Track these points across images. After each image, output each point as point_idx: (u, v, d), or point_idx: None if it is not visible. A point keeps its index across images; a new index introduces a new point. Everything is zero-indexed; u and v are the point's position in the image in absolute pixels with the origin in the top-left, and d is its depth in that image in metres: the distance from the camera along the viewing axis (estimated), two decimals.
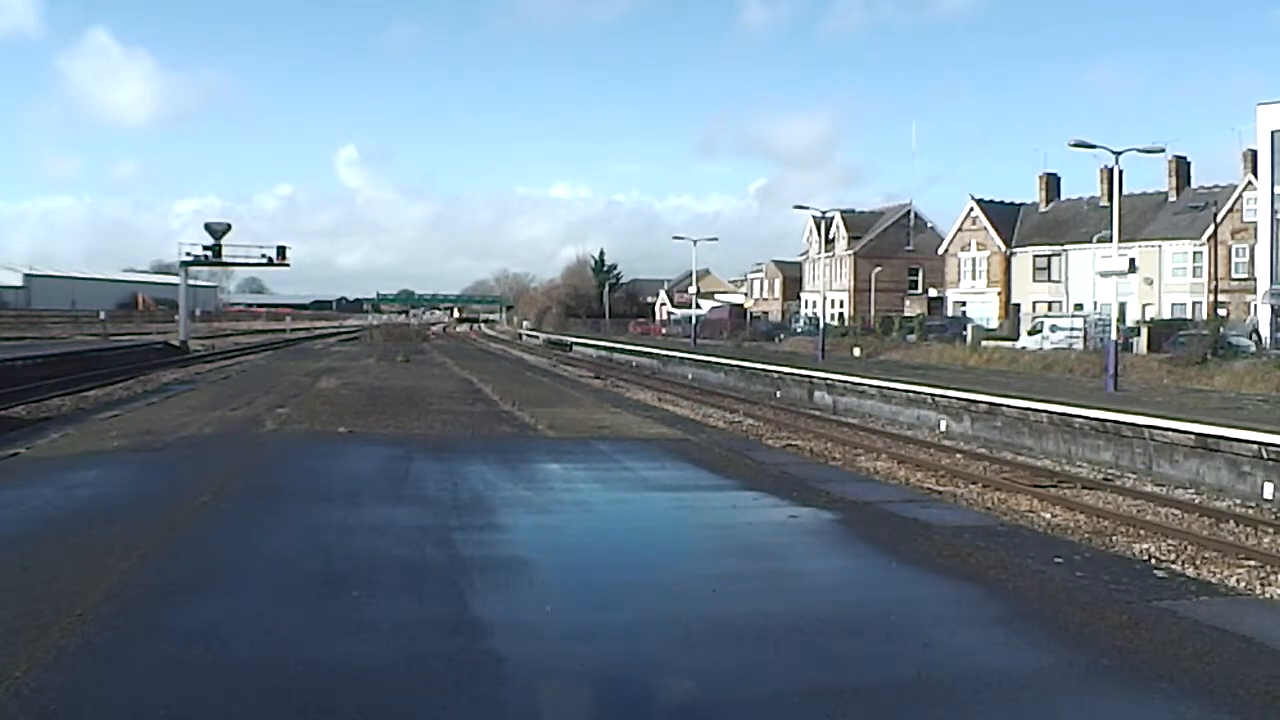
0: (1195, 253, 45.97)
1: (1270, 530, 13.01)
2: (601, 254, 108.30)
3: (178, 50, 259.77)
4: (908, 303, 61.32)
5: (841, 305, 67.16)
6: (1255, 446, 15.26)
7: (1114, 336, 26.15)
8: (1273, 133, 36.50)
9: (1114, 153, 25.98)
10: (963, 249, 58.62)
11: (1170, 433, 16.98)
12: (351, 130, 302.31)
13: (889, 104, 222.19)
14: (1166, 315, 43.20)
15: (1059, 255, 52.92)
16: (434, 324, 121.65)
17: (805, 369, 32.34)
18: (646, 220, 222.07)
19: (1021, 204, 58.45)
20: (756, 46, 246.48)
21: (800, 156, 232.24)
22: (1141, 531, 12.75)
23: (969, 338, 43.33)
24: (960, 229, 58.93)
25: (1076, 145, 25.89)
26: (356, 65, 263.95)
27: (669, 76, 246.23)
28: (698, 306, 67.36)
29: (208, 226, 51.60)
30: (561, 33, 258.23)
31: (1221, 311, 40.79)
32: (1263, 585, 10.19)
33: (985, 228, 56.82)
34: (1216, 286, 43.63)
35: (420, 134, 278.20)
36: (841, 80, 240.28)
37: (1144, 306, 45.52)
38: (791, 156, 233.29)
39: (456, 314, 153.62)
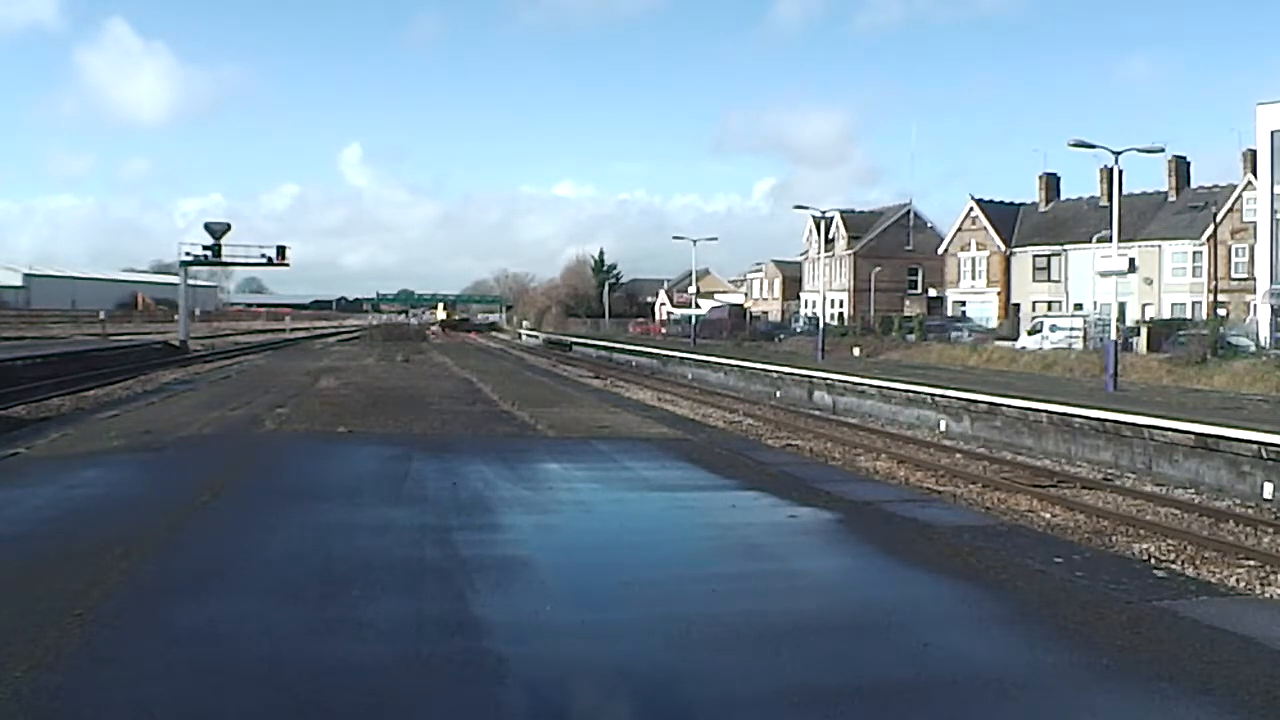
0: (1195, 253, 46.01)
1: (1270, 530, 13.01)
2: (601, 253, 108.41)
3: (197, 44, 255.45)
4: (907, 303, 61.28)
5: (841, 305, 67.14)
6: (1255, 446, 15.26)
7: (1114, 336, 26.17)
8: (1272, 133, 36.54)
9: (1113, 153, 26.02)
10: (962, 249, 58.65)
11: (1170, 432, 16.98)
12: (362, 129, 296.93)
13: (912, 102, 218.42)
14: (1166, 315, 43.19)
15: (1059, 255, 52.95)
16: (433, 324, 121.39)
17: (805, 369, 32.34)
18: (654, 220, 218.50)
19: (1021, 204, 58.53)
20: (782, 43, 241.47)
21: (818, 155, 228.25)
22: (1141, 531, 12.75)
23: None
24: (960, 229, 58.98)
25: (1076, 145, 25.94)
26: (374, 61, 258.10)
27: (685, 74, 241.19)
28: (697, 306, 67.32)
29: (207, 226, 51.57)
30: (588, 27, 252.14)
31: (1221, 311, 40.79)
32: (1263, 585, 10.18)
33: (985, 228, 56.87)
34: (1216, 286, 43.62)
35: (431, 132, 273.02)
36: (865, 77, 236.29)
37: (1144, 306, 45.55)
38: (808, 155, 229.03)
39: (443, 313, 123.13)
